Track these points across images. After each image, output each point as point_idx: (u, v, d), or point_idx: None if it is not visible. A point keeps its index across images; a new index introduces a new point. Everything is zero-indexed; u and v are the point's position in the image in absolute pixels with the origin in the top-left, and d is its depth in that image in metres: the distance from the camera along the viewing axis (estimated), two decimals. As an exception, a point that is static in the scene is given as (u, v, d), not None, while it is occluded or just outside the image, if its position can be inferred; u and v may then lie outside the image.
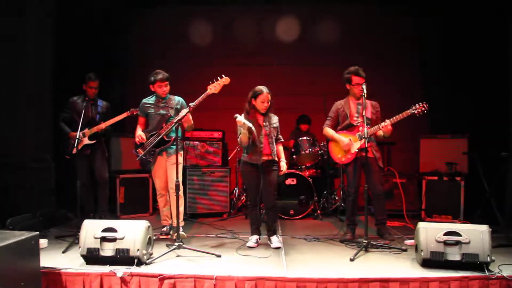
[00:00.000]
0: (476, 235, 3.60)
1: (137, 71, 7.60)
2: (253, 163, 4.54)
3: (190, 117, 4.80)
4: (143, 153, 4.85)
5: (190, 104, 4.53)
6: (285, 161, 4.73)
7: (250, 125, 4.38)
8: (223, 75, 4.56)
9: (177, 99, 5.02)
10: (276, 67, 7.70)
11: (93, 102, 5.51)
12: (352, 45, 7.58)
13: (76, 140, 4.75)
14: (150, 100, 5.02)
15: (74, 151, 4.79)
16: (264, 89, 4.53)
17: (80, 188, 4.63)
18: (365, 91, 4.50)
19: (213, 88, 4.54)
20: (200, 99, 4.52)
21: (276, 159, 4.65)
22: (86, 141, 5.35)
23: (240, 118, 4.34)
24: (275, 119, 4.70)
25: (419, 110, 4.51)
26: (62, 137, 5.47)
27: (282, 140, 4.83)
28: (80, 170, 5.38)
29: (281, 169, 4.65)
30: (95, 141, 5.42)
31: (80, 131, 4.90)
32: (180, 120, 4.48)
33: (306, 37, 7.77)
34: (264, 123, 4.59)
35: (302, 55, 7.78)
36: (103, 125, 5.38)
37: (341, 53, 7.49)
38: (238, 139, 4.53)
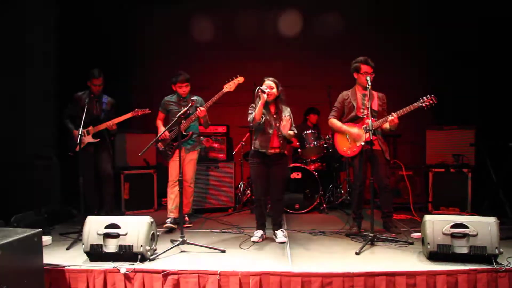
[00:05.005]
0: (483, 227, 3.56)
1: (140, 68, 7.57)
2: (261, 151, 4.50)
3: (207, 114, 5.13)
4: (163, 146, 5.27)
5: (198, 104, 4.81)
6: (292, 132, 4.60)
7: (263, 88, 4.39)
8: (237, 75, 4.87)
9: (197, 99, 5.18)
10: (279, 61, 7.63)
11: (98, 99, 5.44)
12: (355, 38, 7.47)
13: (79, 137, 4.68)
14: (172, 98, 5.33)
15: (77, 148, 4.79)
16: (266, 79, 4.57)
17: (83, 184, 4.61)
18: (369, 83, 4.43)
19: (229, 87, 4.91)
20: (216, 97, 4.89)
21: (285, 152, 4.61)
22: (89, 139, 5.32)
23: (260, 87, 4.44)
24: (286, 112, 4.61)
25: (427, 103, 4.40)
26: (67, 133, 5.42)
27: (296, 132, 4.70)
28: (84, 167, 5.16)
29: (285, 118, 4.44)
30: (99, 139, 5.37)
31: (82, 128, 4.76)
32: (184, 113, 4.46)
33: (310, 30, 7.70)
34: (274, 115, 4.55)
35: (306, 49, 7.71)
36: (108, 124, 5.29)
37: (345, 45, 7.38)
38: (251, 117, 4.47)
